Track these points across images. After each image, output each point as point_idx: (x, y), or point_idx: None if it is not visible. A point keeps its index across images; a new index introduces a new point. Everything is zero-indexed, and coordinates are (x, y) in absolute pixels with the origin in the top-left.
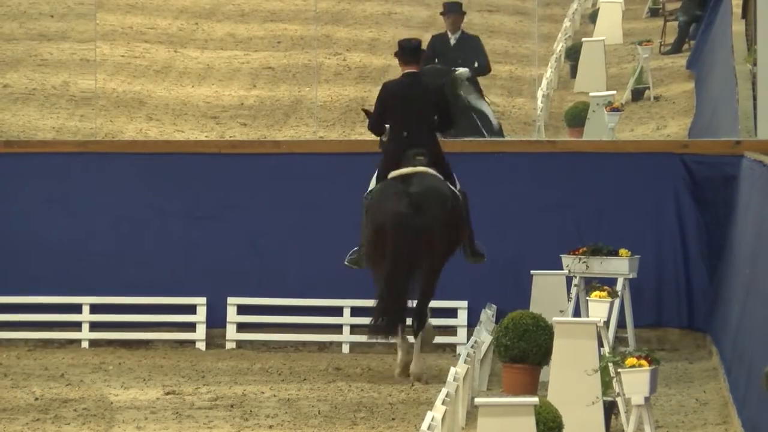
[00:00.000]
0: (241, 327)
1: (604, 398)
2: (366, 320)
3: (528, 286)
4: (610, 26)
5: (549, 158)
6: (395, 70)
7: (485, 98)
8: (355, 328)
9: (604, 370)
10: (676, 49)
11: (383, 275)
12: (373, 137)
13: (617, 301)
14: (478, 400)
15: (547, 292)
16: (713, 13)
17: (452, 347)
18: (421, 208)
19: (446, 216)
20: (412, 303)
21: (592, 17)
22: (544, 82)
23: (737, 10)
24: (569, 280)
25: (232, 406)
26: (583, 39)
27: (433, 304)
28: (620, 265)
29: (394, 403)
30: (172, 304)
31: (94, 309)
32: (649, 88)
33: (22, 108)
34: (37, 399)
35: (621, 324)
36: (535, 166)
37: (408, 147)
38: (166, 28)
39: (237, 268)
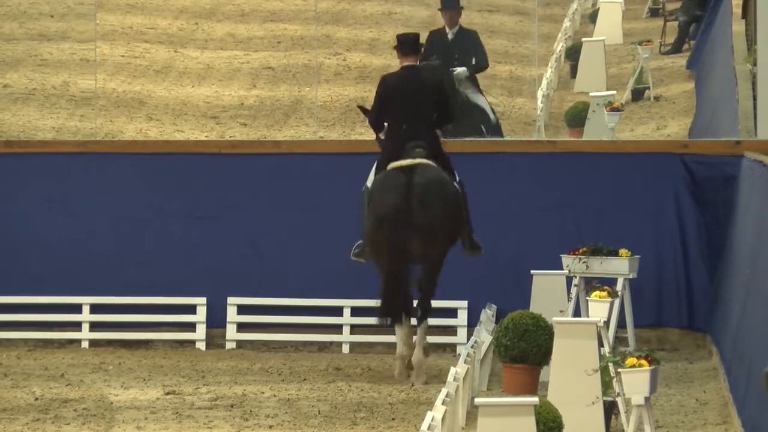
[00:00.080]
0: (241, 327)
1: (604, 398)
2: (366, 320)
3: (528, 286)
4: (610, 26)
5: (549, 158)
6: (395, 69)
7: (482, 93)
8: (355, 328)
9: (604, 370)
10: (676, 49)
11: (385, 268)
12: (373, 137)
13: (617, 301)
14: (478, 400)
15: (547, 292)
16: (713, 13)
17: (452, 347)
18: (425, 201)
19: (449, 208)
20: (416, 292)
21: (592, 17)
22: (544, 82)
23: (737, 10)
24: (569, 280)
25: (232, 406)
26: (583, 39)
27: (433, 303)
28: (620, 265)
29: (394, 403)
30: (172, 304)
31: (94, 309)
32: (649, 88)
33: (22, 108)
34: (37, 399)
35: (621, 324)
36: (535, 166)
37: (407, 140)
38: (166, 28)
39: (237, 268)
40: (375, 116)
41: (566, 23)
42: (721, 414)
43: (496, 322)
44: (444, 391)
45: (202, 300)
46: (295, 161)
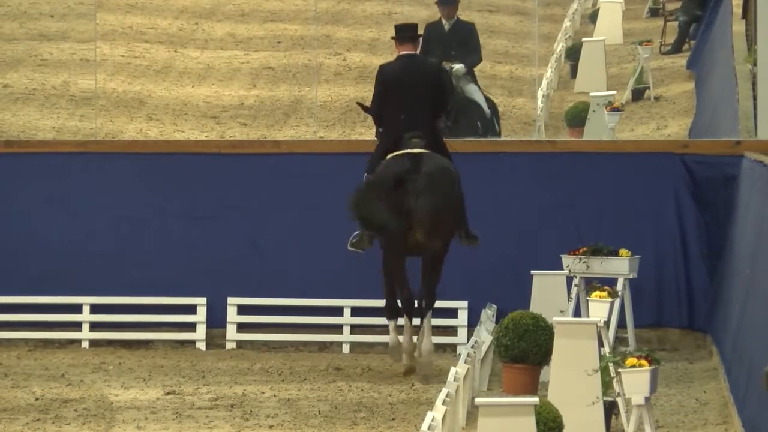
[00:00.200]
0: (242, 327)
1: (605, 398)
2: (366, 321)
3: (528, 286)
4: (610, 26)
5: (549, 158)
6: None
7: (479, 86)
8: (355, 329)
9: (604, 370)
10: (677, 49)
11: (391, 259)
12: (373, 137)
13: (617, 301)
14: (478, 400)
15: (548, 292)
16: (713, 13)
17: (452, 347)
18: (431, 189)
19: (454, 198)
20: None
21: (593, 17)
22: (545, 82)
23: (737, 10)
24: (569, 280)
25: (232, 406)
26: (584, 39)
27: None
28: (620, 265)
29: (395, 403)
30: (173, 304)
31: (95, 309)
32: (649, 88)
33: (22, 108)
34: (37, 399)
35: (621, 324)
36: (536, 166)
37: (405, 130)
38: (166, 28)
39: (237, 268)
40: (377, 107)
41: (566, 23)
42: (722, 414)
43: (497, 322)
44: (444, 391)
45: (203, 300)
46: (295, 161)
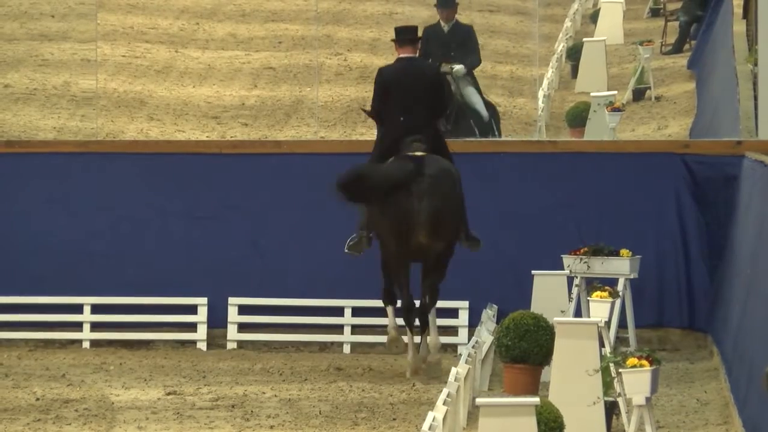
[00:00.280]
0: (242, 327)
1: (606, 398)
2: (367, 321)
3: (529, 286)
4: (611, 26)
5: (550, 158)
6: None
7: (479, 89)
8: (356, 329)
9: (605, 371)
10: (677, 49)
11: (395, 259)
12: (374, 137)
13: (618, 302)
14: (479, 401)
15: (548, 293)
16: (714, 13)
17: (453, 347)
18: (434, 191)
19: (457, 199)
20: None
21: (593, 17)
22: (545, 82)
23: (738, 10)
24: (570, 280)
25: (233, 407)
26: (584, 39)
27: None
28: (621, 265)
29: (396, 404)
30: (173, 304)
31: (95, 309)
32: (650, 88)
33: (23, 108)
34: (38, 399)
35: (622, 324)
36: (536, 167)
37: (405, 133)
38: (167, 28)
39: (238, 268)
40: (378, 109)
41: (567, 23)
42: (722, 414)
43: (497, 323)
44: (445, 391)
45: (203, 300)
46: (296, 161)
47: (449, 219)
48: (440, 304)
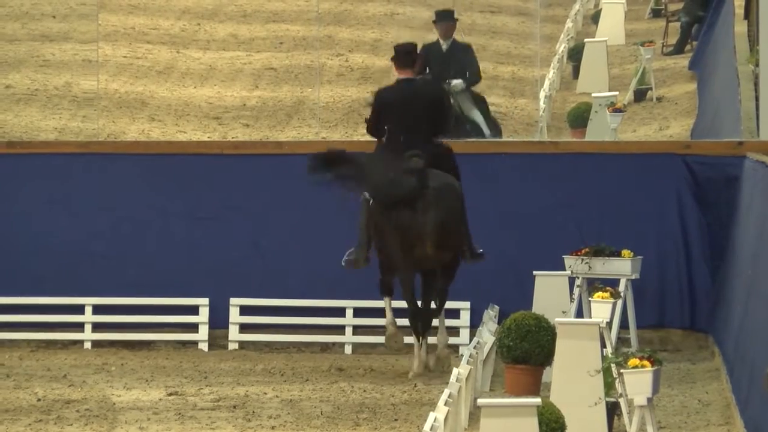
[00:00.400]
0: (244, 328)
1: (607, 399)
2: (368, 321)
3: (530, 287)
4: (612, 27)
5: (551, 159)
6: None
7: (477, 107)
8: (357, 329)
9: (606, 371)
10: (679, 49)
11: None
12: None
13: (620, 302)
14: (480, 401)
15: (550, 293)
16: (715, 14)
17: (455, 348)
18: (440, 204)
19: (460, 213)
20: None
21: (595, 18)
22: (547, 83)
23: (739, 11)
24: (572, 280)
25: (234, 407)
26: (586, 40)
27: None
28: (623, 266)
29: (397, 404)
30: (175, 304)
31: (97, 310)
32: (651, 88)
33: (25, 109)
34: (39, 400)
35: (623, 325)
36: (538, 167)
37: (405, 150)
38: (169, 29)
39: (239, 268)
40: (373, 127)
41: (568, 24)
42: (724, 415)
43: (499, 323)
44: (447, 391)
45: (205, 301)
46: (298, 162)
47: (454, 229)
48: None
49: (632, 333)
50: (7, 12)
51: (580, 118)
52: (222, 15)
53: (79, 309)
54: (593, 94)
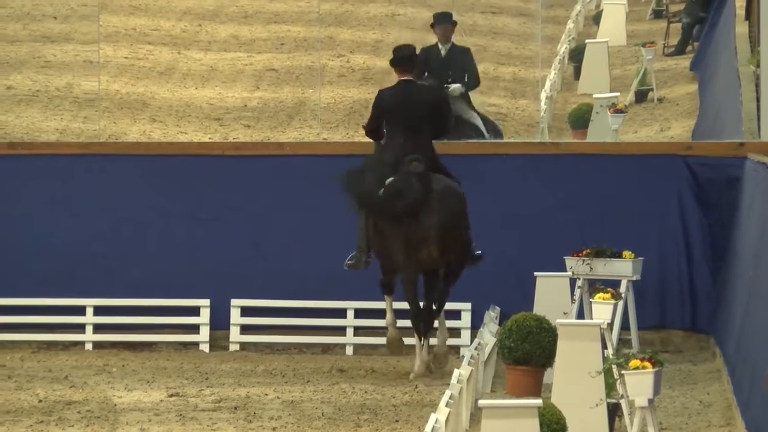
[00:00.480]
0: (245, 329)
1: (608, 400)
2: (370, 322)
3: (531, 288)
4: (613, 28)
5: (552, 160)
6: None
7: (475, 110)
8: (358, 330)
9: (607, 372)
10: (680, 50)
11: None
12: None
13: (621, 303)
14: (481, 402)
15: (551, 294)
16: (717, 15)
17: (456, 349)
18: (443, 207)
19: (462, 216)
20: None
21: (596, 19)
22: (548, 83)
23: (741, 12)
24: (573, 281)
25: (235, 408)
26: (587, 41)
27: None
28: (624, 267)
29: (398, 405)
30: (176, 306)
31: (98, 311)
32: (652, 89)
33: (26, 109)
34: (40, 401)
35: (624, 326)
36: (539, 168)
37: (404, 154)
38: (170, 30)
39: (240, 269)
40: (373, 129)
41: (570, 25)
42: (725, 416)
43: (500, 324)
44: (448, 393)
45: (206, 302)
46: (299, 163)
47: (458, 232)
48: None
49: (633, 334)
50: (9, 13)
51: (581, 119)
52: (223, 16)
53: (81, 310)
54: (594, 95)
